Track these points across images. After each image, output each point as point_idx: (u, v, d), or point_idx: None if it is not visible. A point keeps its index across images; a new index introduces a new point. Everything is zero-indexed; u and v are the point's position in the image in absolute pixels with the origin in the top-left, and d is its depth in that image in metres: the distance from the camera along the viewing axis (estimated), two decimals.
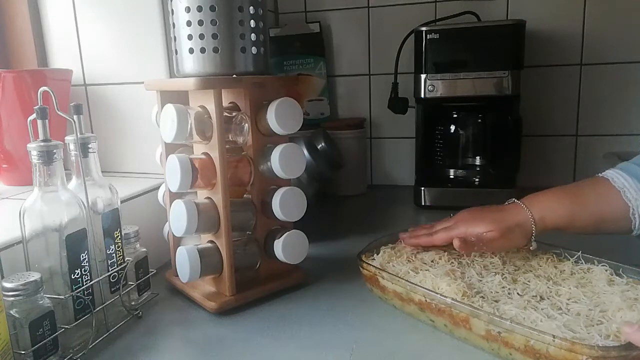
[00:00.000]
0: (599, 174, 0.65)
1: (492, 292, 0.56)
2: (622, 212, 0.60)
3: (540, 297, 0.54)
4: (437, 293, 0.54)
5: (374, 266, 0.62)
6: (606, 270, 0.59)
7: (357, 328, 0.58)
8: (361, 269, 0.64)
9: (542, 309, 0.51)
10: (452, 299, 0.52)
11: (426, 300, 0.55)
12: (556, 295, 0.54)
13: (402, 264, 0.64)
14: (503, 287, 0.56)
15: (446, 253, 0.66)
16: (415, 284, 0.57)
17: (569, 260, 0.63)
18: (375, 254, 0.67)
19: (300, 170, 0.65)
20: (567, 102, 1.18)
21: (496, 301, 0.53)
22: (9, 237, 0.55)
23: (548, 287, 0.56)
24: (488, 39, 1.00)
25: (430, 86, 1.03)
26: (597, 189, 0.63)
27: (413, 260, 0.65)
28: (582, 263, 0.62)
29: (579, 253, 0.63)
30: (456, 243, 0.61)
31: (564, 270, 0.61)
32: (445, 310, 0.53)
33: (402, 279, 0.58)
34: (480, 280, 0.58)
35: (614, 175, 0.63)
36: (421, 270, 0.61)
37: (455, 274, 0.59)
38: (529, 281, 0.58)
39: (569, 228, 0.62)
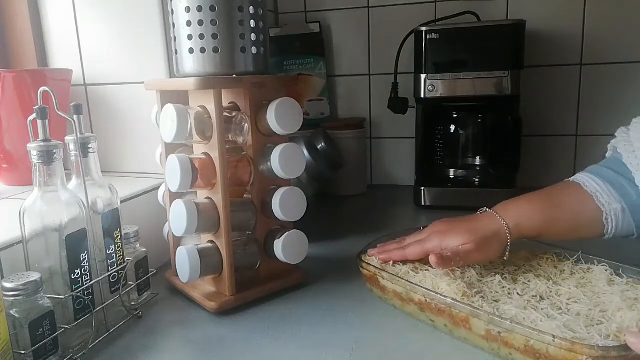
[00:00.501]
0: (569, 179, 0.64)
1: (492, 292, 0.56)
2: (596, 217, 0.59)
3: (540, 297, 0.54)
4: (437, 293, 0.54)
5: (374, 266, 0.62)
6: (606, 270, 0.59)
7: (357, 328, 0.58)
8: (361, 269, 0.64)
9: (542, 309, 0.51)
10: (452, 299, 0.52)
11: (426, 300, 0.55)
12: (556, 295, 0.54)
13: (402, 263, 0.64)
14: (503, 287, 0.56)
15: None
16: (415, 284, 0.57)
17: (569, 260, 0.63)
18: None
19: (300, 170, 0.65)
20: (567, 102, 1.18)
21: (496, 301, 0.53)
22: (9, 237, 0.55)
23: (548, 287, 0.56)
24: (488, 39, 1.00)
25: (430, 86, 1.03)
26: (570, 194, 0.62)
27: (413, 261, 0.65)
28: (582, 263, 0.62)
29: (579, 253, 0.63)
30: (432, 259, 0.57)
31: (564, 270, 0.61)
32: (445, 310, 0.53)
33: (402, 279, 0.58)
34: (480, 280, 0.58)
35: (585, 179, 0.62)
36: (421, 270, 0.61)
37: (455, 273, 0.59)
38: (529, 281, 0.58)
39: (543, 235, 0.62)
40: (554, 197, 0.63)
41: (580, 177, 0.63)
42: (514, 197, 0.64)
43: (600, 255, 0.61)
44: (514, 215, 0.61)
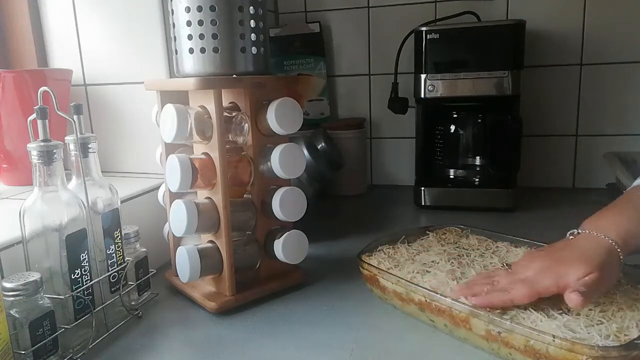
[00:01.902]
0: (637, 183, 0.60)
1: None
2: None
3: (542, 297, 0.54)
4: (437, 293, 0.54)
5: (374, 266, 0.62)
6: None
7: (357, 328, 0.58)
8: (361, 269, 0.64)
9: (542, 309, 0.51)
10: (452, 299, 0.52)
11: (426, 301, 0.55)
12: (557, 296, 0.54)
13: (405, 263, 0.64)
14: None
15: (446, 253, 0.66)
16: (416, 284, 0.57)
17: None
18: (375, 253, 0.68)
19: (300, 170, 0.65)
20: (567, 102, 1.18)
21: None
22: (9, 237, 0.55)
23: None
24: (488, 39, 1.00)
25: (430, 86, 1.03)
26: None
27: (413, 261, 0.65)
28: None
29: None
30: (574, 298, 0.48)
31: None
32: (445, 310, 0.53)
33: (403, 279, 0.58)
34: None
35: None
36: (420, 272, 0.61)
37: (456, 273, 0.59)
38: None
39: None
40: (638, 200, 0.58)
41: None
42: (596, 213, 0.58)
43: None
44: (613, 229, 0.54)
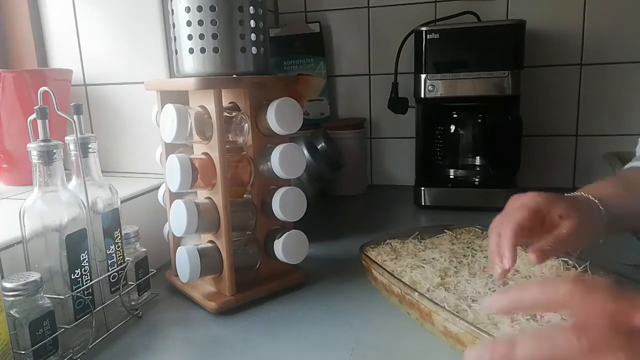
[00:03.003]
0: (634, 165, 0.62)
1: (474, 292, 0.56)
2: None
3: None
4: (408, 286, 0.56)
5: (369, 257, 0.65)
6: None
7: (357, 328, 0.58)
8: (362, 261, 0.66)
9: (512, 313, 0.51)
10: (420, 293, 0.54)
11: (401, 293, 0.57)
12: None
13: (404, 258, 0.65)
14: (489, 289, 0.57)
15: (451, 251, 0.67)
16: (396, 277, 0.59)
17: (577, 269, 0.61)
18: (382, 246, 0.71)
19: (300, 170, 0.65)
20: (567, 102, 1.18)
21: (474, 301, 0.54)
22: (9, 237, 0.55)
23: None
24: (488, 39, 1.00)
25: (430, 86, 1.03)
26: (630, 181, 0.59)
27: (414, 257, 0.66)
28: (588, 273, 0.60)
29: (587, 263, 0.61)
30: (531, 256, 0.49)
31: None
32: (415, 304, 0.55)
33: (387, 270, 0.60)
34: (468, 280, 0.59)
35: None
36: (412, 266, 0.62)
37: (448, 272, 0.61)
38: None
39: (627, 215, 0.56)
40: (630, 179, 0.60)
41: None
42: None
43: (614, 265, 0.60)
44: (597, 193, 0.56)
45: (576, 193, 0.57)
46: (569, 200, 0.53)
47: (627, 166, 0.62)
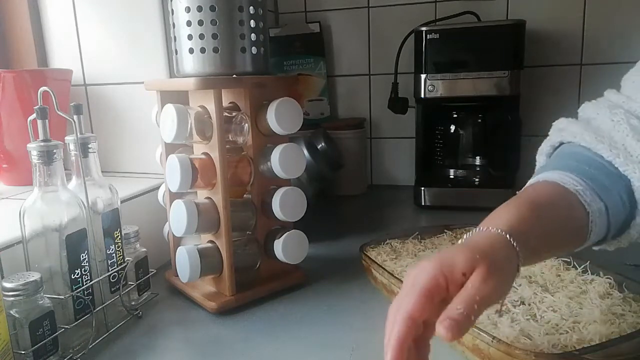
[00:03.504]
0: (539, 178, 0.52)
1: None
2: (583, 221, 0.47)
3: (522, 302, 0.54)
4: None
5: (369, 257, 0.65)
6: (609, 283, 0.57)
7: (357, 328, 0.58)
8: (362, 261, 0.66)
9: (512, 313, 0.51)
10: None
11: None
12: (539, 302, 0.54)
13: (404, 258, 0.65)
14: None
15: None
16: (396, 277, 0.59)
17: (577, 269, 0.62)
18: (382, 246, 0.71)
19: (300, 170, 0.65)
20: (567, 102, 1.18)
21: None
22: (9, 237, 0.55)
23: (535, 293, 0.56)
24: (488, 39, 1.00)
25: (430, 86, 1.03)
26: (552, 194, 0.48)
27: (414, 257, 0.66)
28: (588, 273, 0.60)
29: (587, 263, 0.61)
30: (443, 332, 0.37)
31: (565, 279, 0.60)
32: None
33: (386, 270, 0.60)
34: None
35: (562, 176, 0.49)
36: (412, 266, 0.62)
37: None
38: (519, 285, 0.58)
39: (540, 243, 0.45)
40: (536, 198, 0.49)
41: (553, 175, 0.50)
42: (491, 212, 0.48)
43: (614, 265, 0.59)
44: (505, 221, 0.44)
45: (480, 229, 0.44)
46: (468, 248, 0.41)
47: (529, 183, 0.53)
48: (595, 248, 0.53)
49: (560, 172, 0.50)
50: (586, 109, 0.57)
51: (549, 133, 0.59)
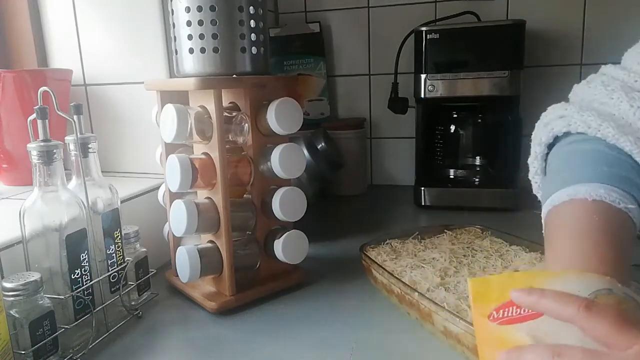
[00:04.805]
0: (585, 196, 0.44)
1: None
2: (634, 233, 0.44)
3: None
4: (408, 286, 0.56)
5: (369, 257, 0.65)
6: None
7: (357, 328, 0.58)
8: (362, 261, 0.66)
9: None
10: (420, 293, 0.54)
11: (401, 293, 0.57)
12: None
13: (404, 258, 0.65)
14: None
15: (451, 252, 0.67)
16: (396, 277, 0.59)
17: None
18: (382, 246, 0.71)
19: (300, 170, 0.65)
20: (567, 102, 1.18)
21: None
22: (9, 237, 0.55)
23: None
24: (488, 39, 1.00)
25: (430, 86, 1.03)
26: (620, 227, 0.43)
27: (414, 257, 0.66)
28: None
29: None
30: None
31: None
32: (415, 304, 0.55)
33: (387, 270, 0.60)
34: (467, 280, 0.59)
35: (608, 193, 0.44)
36: (412, 266, 0.62)
37: (448, 272, 0.60)
38: None
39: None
40: (617, 240, 0.42)
41: (599, 191, 0.44)
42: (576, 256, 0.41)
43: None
44: (611, 269, 0.39)
45: (610, 287, 0.36)
46: (613, 314, 0.33)
47: (562, 192, 0.46)
48: None
49: (601, 185, 0.45)
50: (582, 92, 0.52)
51: (545, 120, 0.54)
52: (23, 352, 0.47)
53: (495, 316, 0.38)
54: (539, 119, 0.58)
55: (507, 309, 0.38)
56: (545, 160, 0.55)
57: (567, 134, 0.52)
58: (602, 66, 0.55)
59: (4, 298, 0.47)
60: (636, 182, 0.46)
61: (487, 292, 0.39)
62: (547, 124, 0.54)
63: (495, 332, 0.38)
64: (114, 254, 0.60)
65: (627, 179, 0.45)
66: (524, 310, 0.37)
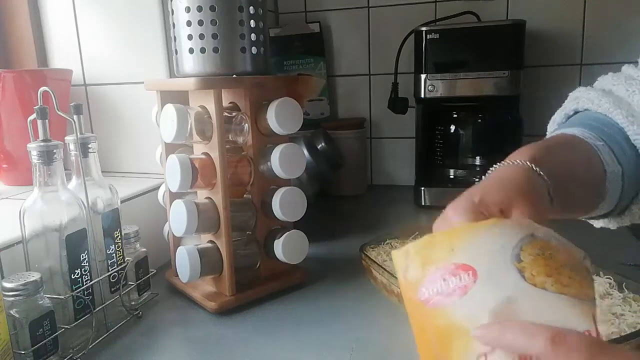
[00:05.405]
0: (559, 130, 0.50)
1: None
2: (600, 178, 0.45)
3: None
4: None
5: (369, 257, 0.65)
6: (609, 283, 0.57)
7: (357, 328, 0.58)
8: (362, 261, 0.66)
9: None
10: None
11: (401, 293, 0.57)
12: None
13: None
14: None
15: None
16: (396, 277, 0.58)
17: None
18: (382, 245, 0.71)
19: (300, 170, 0.65)
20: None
21: None
22: (9, 237, 0.55)
23: None
24: (488, 39, 1.00)
25: (430, 86, 1.03)
26: (573, 145, 0.46)
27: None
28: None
29: None
30: None
31: None
32: None
33: (386, 270, 0.60)
34: None
35: (582, 132, 0.47)
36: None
37: None
38: None
39: (560, 183, 0.41)
40: (555, 141, 0.47)
41: (573, 130, 0.48)
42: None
43: (614, 265, 0.59)
44: (524, 157, 0.41)
45: (502, 164, 0.42)
46: (500, 184, 0.39)
47: (562, 130, 0.50)
48: (597, 225, 0.52)
49: (579, 128, 0.48)
50: (603, 80, 0.57)
51: (564, 104, 0.58)
52: (23, 352, 0.47)
53: (426, 294, 0.33)
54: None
55: (435, 281, 0.32)
56: None
57: (575, 111, 0.55)
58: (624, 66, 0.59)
59: (4, 298, 0.47)
60: (619, 140, 0.47)
61: (410, 264, 0.34)
62: (564, 108, 0.57)
63: (431, 317, 0.33)
64: (114, 254, 0.60)
65: (609, 134, 0.48)
66: (455, 278, 0.32)
